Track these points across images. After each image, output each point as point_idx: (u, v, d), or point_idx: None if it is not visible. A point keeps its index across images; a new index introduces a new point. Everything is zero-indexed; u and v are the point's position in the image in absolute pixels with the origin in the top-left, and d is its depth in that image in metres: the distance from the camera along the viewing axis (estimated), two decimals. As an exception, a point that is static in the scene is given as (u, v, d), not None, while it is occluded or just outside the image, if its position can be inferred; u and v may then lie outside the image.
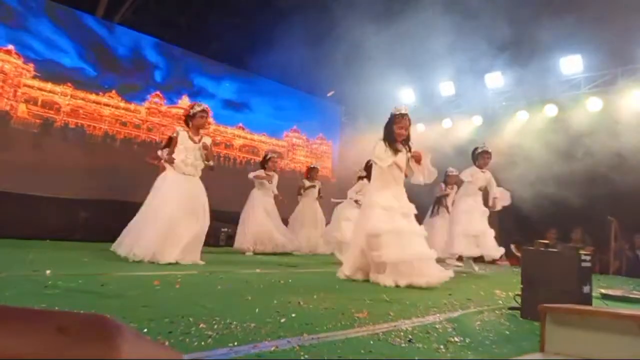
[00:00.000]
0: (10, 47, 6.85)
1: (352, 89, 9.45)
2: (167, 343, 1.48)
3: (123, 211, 6.23)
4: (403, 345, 1.70)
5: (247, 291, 2.85)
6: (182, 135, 4.75)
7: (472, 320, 2.26)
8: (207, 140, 4.87)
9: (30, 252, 4.57)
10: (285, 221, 7.85)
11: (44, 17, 7.24)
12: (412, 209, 4.07)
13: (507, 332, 2.07)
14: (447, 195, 7.89)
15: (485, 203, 5.75)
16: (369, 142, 4.57)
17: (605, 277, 6.65)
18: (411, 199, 4.19)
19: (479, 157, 5.73)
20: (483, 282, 4.69)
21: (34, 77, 7.04)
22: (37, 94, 7.06)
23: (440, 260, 4.51)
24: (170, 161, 4.62)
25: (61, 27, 7.40)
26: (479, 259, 5.85)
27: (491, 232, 5.58)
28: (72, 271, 3.24)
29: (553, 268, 2.41)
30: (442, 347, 1.70)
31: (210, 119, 8.91)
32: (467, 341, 1.82)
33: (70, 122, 7.40)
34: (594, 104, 8.26)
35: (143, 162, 6.47)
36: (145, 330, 1.67)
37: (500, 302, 3.09)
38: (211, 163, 4.88)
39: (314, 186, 7.98)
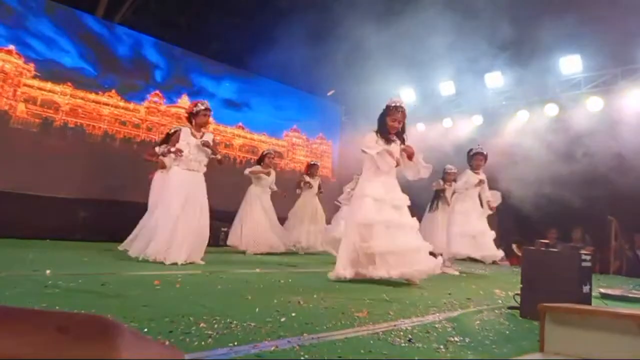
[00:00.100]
0: (11, 47, 6.85)
1: (352, 89, 9.46)
2: (167, 343, 1.48)
3: (123, 211, 6.26)
4: (403, 344, 1.70)
5: (247, 291, 2.85)
6: (185, 131, 4.75)
7: (471, 320, 2.26)
8: (209, 136, 4.87)
9: (30, 251, 4.58)
10: (282, 217, 7.85)
11: (44, 17, 7.23)
12: (404, 201, 4.00)
13: (507, 332, 2.07)
14: (444, 190, 7.89)
15: (481, 203, 5.74)
16: None
17: (605, 276, 6.66)
18: (410, 197, 4.17)
19: (473, 158, 5.69)
20: (483, 281, 4.70)
21: (34, 76, 7.04)
22: (36, 93, 7.06)
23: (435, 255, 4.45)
24: (178, 153, 4.61)
25: (61, 27, 7.39)
26: (479, 260, 5.83)
27: (491, 234, 5.52)
28: (72, 271, 3.24)
29: (553, 268, 2.41)
30: (442, 346, 1.71)
31: (210, 119, 8.92)
32: (466, 341, 1.82)
33: (70, 122, 7.40)
34: (594, 104, 8.26)
35: (142, 160, 6.47)
36: (146, 329, 1.68)
37: (500, 301, 3.09)
38: (219, 156, 4.91)
39: (313, 182, 7.97)
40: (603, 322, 1.38)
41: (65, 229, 6.78)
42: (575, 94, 8.55)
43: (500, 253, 5.53)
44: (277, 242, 6.94)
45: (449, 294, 3.32)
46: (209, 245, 4.86)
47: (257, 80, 10.02)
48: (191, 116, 4.85)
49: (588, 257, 2.50)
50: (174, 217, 4.44)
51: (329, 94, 10.99)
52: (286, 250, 7.12)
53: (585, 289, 2.41)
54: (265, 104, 10.14)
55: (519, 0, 7.53)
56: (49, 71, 7.17)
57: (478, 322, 2.24)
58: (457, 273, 5.42)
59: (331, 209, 7.95)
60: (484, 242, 5.38)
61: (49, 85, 7.17)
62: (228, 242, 6.89)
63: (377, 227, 3.72)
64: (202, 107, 4.80)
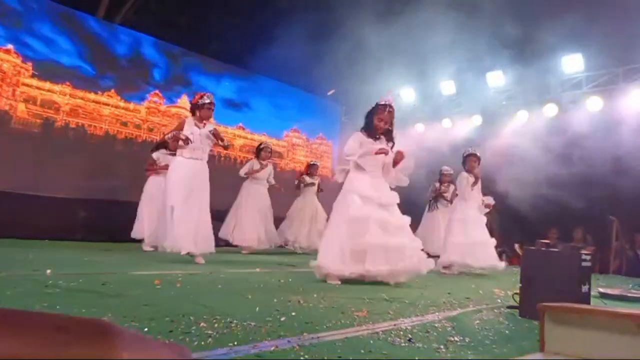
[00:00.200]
0: (10, 46, 6.85)
1: (352, 88, 9.45)
2: (171, 342, 1.48)
3: (123, 211, 6.27)
4: (403, 344, 1.70)
5: (247, 290, 2.86)
6: (189, 121, 4.77)
7: (471, 319, 2.26)
8: (211, 127, 4.88)
9: (31, 251, 4.58)
10: (282, 216, 7.84)
11: (44, 18, 7.24)
12: (392, 198, 3.91)
13: (507, 331, 2.08)
14: (442, 191, 7.90)
15: None
16: None
17: (605, 276, 6.66)
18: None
19: (467, 160, 5.66)
20: (482, 281, 4.70)
21: (32, 75, 7.03)
22: (35, 93, 7.06)
23: (432, 256, 4.43)
24: (186, 141, 4.60)
25: (61, 27, 7.40)
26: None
27: (492, 242, 5.46)
28: (72, 270, 3.24)
29: (553, 267, 2.42)
30: (442, 346, 1.71)
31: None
32: (466, 340, 1.83)
33: (71, 122, 7.41)
34: (595, 104, 8.26)
35: (142, 161, 6.48)
36: (146, 329, 1.68)
37: (499, 301, 3.09)
38: (226, 143, 4.95)
39: (313, 183, 7.96)
40: (602, 321, 1.38)
41: (65, 228, 6.79)
42: (577, 93, 8.55)
43: (501, 264, 5.43)
44: (264, 238, 6.82)
45: (449, 293, 3.32)
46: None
47: (257, 80, 10.02)
48: (195, 108, 4.86)
49: (588, 257, 2.50)
50: (185, 208, 4.46)
51: (329, 93, 10.99)
52: (271, 247, 6.99)
53: (585, 288, 2.42)
54: (265, 103, 10.14)
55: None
56: (47, 70, 7.17)
57: (478, 321, 2.24)
58: (456, 272, 5.41)
59: (331, 209, 7.94)
60: (484, 253, 5.30)
61: (47, 84, 7.17)
62: (220, 235, 6.74)
63: (365, 223, 3.63)
64: (207, 101, 4.80)
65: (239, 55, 9.98)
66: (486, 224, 5.70)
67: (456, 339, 1.84)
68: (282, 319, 2.00)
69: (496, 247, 5.74)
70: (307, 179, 7.89)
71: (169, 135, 4.78)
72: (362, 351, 1.57)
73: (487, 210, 5.67)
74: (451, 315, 2.36)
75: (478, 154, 5.69)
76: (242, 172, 7.01)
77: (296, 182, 7.96)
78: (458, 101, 10.02)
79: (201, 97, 4.85)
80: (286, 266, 5.02)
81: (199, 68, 9.15)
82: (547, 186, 7.55)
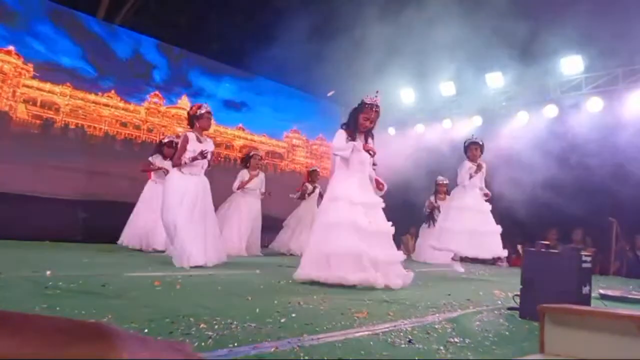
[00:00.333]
0: (11, 47, 6.86)
1: (352, 89, 9.45)
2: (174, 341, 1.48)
3: (123, 212, 6.27)
4: (403, 345, 1.70)
5: (247, 292, 2.86)
6: (191, 137, 4.74)
7: (471, 321, 2.26)
8: (210, 145, 4.87)
9: (31, 252, 4.58)
10: (280, 221, 7.83)
11: (44, 19, 7.24)
12: (378, 202, 3.83)
13: (507, 333, 2.08)
14: (437, 207, 7.92)
15: None
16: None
17: (605, 277, 6.65)
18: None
19: (468, 149, 5.55)
20: (482, 282, 4.70)
21: (33, 77, 7.04)
22: (35, 94, 7.07)
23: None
24: (203, 155, 4.59)
25: (61, 28, 7.40)
26: (477, 260, 5.78)
27: (495, 231, 5.20)
28: (72, 272, 3.24)
29: (553, 269, 2.41)
30: (442, 347, 1.71)
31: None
32: (466, 342, 1.82)
33: (71, 123, 7.41)
34: (594, 105, 8.27)
35: (143, 161, 6.49)
36: (146, 330, 1.68)
37: (499, 302, 3.09)
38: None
39: (315, 188, 7.95)
40: (602, 323, 1.38)
41: (65, 230, 6.79)
42: (576, 94, 8.56)
43: (504, 252, 5.24)
44: (240, 247, 6.61)
45: (449, 294, 3.32)
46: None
47: (257, 81, 10.03)
48: (194, 119, 4.82)
49: (588, 259, 2.50)
50: (192, 225, 4.45)
51: (328, 94, 10.99)
52: (249, 255, 6.74)
53: (585, 290, 2.42)
54: (265, 104, 10.14)
55: (520, 1, 7.53)
56: (48, 71, 7.17)
57: (478, 322, 2.24)
58: (462, 270, 5.32)
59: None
60: (482, 242, 5.10)
61: (48, 85, 7.17)
62: None
63: (343, 228, 3.54)
64: (204, 111, 4.78)
65: (239, 55, 9.98)
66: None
67: (456, 340, 1.84)
68: (282, 320, 2.00)
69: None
70: (310, 187, 7.85)
71: (187, 157, 4.64)
72: (362, 352, 1.57)
73: (487, 199, 5.47)
74: (451, 316, 2.36)
75: (480, 142, 5.57)
76: (235, 186, 6.87)
77: (298, 193, 7.86)
78: (458, 102, 10.03)
79: (199, 107, 4.84)
80: (286, 268, 5.02)
81: (199, 69, 9.15)
82: (547, 187, 7.55)
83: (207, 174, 4.93)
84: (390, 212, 3.94)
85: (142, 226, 6.00)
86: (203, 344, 1.55)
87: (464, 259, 5.74)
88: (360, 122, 3.85)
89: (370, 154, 3.83)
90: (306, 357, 1.46)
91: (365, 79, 8.15)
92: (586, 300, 2.42)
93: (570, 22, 6.79)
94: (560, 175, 7.59)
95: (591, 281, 2.53)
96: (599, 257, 7.29)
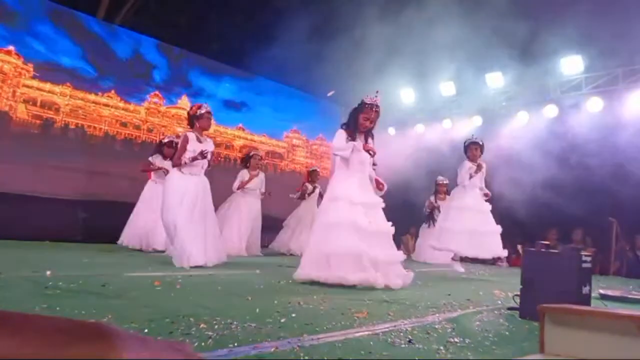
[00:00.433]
0: (11, 47, 6.86)
1: (352, 89, 9.45)
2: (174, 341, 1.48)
3: (123, 212, 6.27)
4: (403, 345, 1.70)
5: (247, 292, 2.86)
6: (191, 137, 4.74)
7: (471, 321, 2.26)
8: (210, 146, 4.87)
9: (31, 252, 4.58)
10: (280, 221, 7.82)
11: (44, 19, 7.24)
12: (378, 202, 3.82)
13: (507, 333, 2.07)
14: (437, 207, 7.91)
15: None
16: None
17: (605, 277, 6.65)
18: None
19: (468, 149, 5.54)
20: (482, 282, 4.70)
21: (33, 77, 7.04)
22: (35, 94, 7.07)
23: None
24: (203, 155, 4.59)
25: (62, 28, 7.40)
26: (477, 260, 5.78)
27: (495, 231, 5.17)
28: (72, 272, 3.24)
29: (553, 269, 2.41)
30: (442, 347, 1.71)
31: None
32: (466, 342, 1.82)
33: (71, 123, 7.41)
34: (594, 105, 8.27)
35: (143, 161, 6.49)
36: (146, 330, 1.68)
37: (499, 302, 3.09)
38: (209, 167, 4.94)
39: (315, 188, 7.94)
40: (603, 323, 1.38)
41: (65, 230, 6.79)
42: (576, 94, 8.56)
43: (504, 252, 5.22)
44: (240, 247, 6.61)
45: (449, 294, 3.32)
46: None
47: (257, 81, 10.03)
48: (194, 119, 4.82)
49: (588, 259, 2.50)
50: (191, 225, 4.45)
51: (328, 94, 11.00)
52: (249, 255, 6.74)
53: (585, 289, 2.42)
54: (265, 104, 10.15)
55: (521, 1, 7.53)
56: (48, 71, 7.17)
57: (478, 322, 2.24)
58: (462, 270, 5.30)
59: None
60: (482, 242, 5.08)
61: (48, 85, 7.17)
62: None
63: (342, 228, 3.53)
64: (204, 111, 4.78)
65: (239, 56, 9.98)
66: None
67: (456, 340, 1.84)
68: (282, 320, 2.00)
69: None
70: (310, 187, 7.85)
71: (187, 157, 4.63)
72: (362, 352, 1.57)
73: (487, 199, 5.45)
74: (451, 316, 2.36)
75: (480, 142, 5.54)
76: (235, 186, 6.87)
77: (298, 193, 7.86)
78: (458, 102, 10.03)
79: (199, 107, 4.84)
80: (286, 268, 5.01)
81: (199, 69, 9.15)
82: (547, 187, 7.55)
83: (207, 174, 4.94)
84: (390, 212, 3.94)
85: (142, 226, 6.01)
86: (203, 344, 1.55)
87: (464, 259, 5.73)
88: (360, 122, 3.84)
89: (370, 154, 3.83)
90: (306, 357, 1.46)
91: (365, 79, 8.15)
92: (586, 300, 2.42)
93: (571, 22, 6.79)
94: (560, 175, 7.59)
95: (591, 281, 2.53)
96: (599, 257, 7.29)
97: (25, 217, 6.39)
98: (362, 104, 3.86)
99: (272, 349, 1.52)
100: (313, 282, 3.50)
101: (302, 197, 7.80)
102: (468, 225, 5.12)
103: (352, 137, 3.85)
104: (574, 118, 8.33)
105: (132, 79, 8.19)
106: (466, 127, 9.71)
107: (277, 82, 10.28)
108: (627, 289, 4.50)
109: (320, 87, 10.31)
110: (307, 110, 10.84)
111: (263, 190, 7.07)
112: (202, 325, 1.79)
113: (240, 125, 9.72)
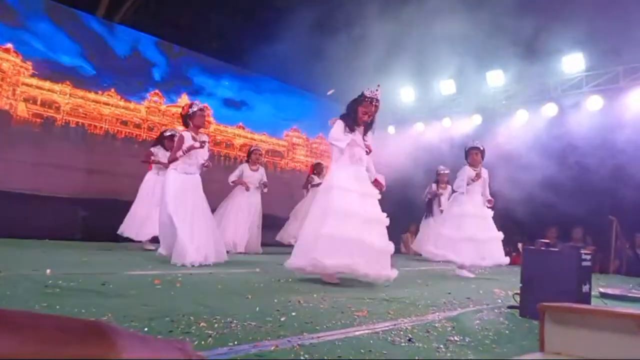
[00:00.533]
0: (9, 45, 6.85)
1: (352, 88, 9.44)
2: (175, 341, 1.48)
3: (123, 210, 6.27)
4: (403, 344, 1.70)
5: (247, 290, 2.86)
6: (187, 136, 4.73)
7: (471, 319, 2.26)
8: (205, 138, 4.87)
9: (30, 251, 4.58)
10: (280, 220, 7.82)
11: (45, 17, 7.23)
12: (374, 193, 3.77)
13: (507, 331, 2.08)
14: (439, 195, 7.89)
15: None
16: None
17: (605, 276, 6.66)
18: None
19: (469, 154, 5.48)
20: (482, 281, 4.70)
21: (32, 75, 7.03)
22: (35, 92, 7.06)
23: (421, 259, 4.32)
24: (201, 144, 4.62)
25: (61, 26, 7.39)
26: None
27: (496, 237, 5.15)
28: (72, 270, 3.24)
29: (553, 267, 2.41)
30: (442, 346, 1.71)
31: (211, 118, 8.92)
32: (466, 340, 1.83)
33: (71, 122, 7.40)
34: (594, 103, 8.26)
35: (143, 160, 6.49)
36: (146, 329, 1.68)
37: (500, 301, 3.09)
38: (207, 163, 4.88)
39: (320, 182, 7.94)
40: (603, 321, 1.38)
41: (65, 228, 6.78)
42: (577, 92, 8.55)
43: (506, 260, 5.16)
44: (240, 245, 6.60)
45: (449, 293, 3.32)
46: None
47: (257, 80, 10.02)
48: (187, 118, 4.80)
49: (588, 257, 2.50)
50: (188, 224, 4.43)
51: (328, 93, 10.99)
52: (247, 252, 6.72)
53: (585, 288, 2.42)
54: (266, 103, 10.14)
55: (521, -1, 7.52)
56: (47, 70, 7.16)
57: (478, 321, 2.24)
58: (472, 275, 5.13)
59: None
60: (483, 248, 5.05)
61: (47, 84, 7.16)
62: None
63: (336, 216, 3.46)
64: (197, 109, 4.75)
65: (239, 54, 9.96)
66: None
67: (456, 338, 1.84)
68: (282, 318, 2.00)
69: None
70: (316, 179, 7.87)
71: (180, 153, 4.62)
72: (362, 351, 1.57)
73: (490, 206, 5.40)
74: (451, 315, 2.36)
75: (481, 148, 5.48)
76: (231, 178, 6.86)
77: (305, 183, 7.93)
78: (458, 100, 10.02)
79: (190, 106, 4.81)
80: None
81: (199, 67, 9.14)
82: (547, 185, 7.55)
83: (207, 172, 4.93)
84: (390, 210, 3.93)
85: (143, 215, 6.03)
86: (203, 342, 1.55)
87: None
88: (359, 116, 3.81)
89: (365, 151, 3.80)
90: (306, 356, 1.46)
91: (366, 77, 8.14)
92: (586, 298, 2.42)
93: (573, 21, 6.77)
94: (559, 174, 7.59)
95: (591, 279, 2.53)
96: (599, 255, 7.30)
97: (25, 216, 6.38)
98: (362, 97, 3.82)
99: (272, 348, 1.52)
100: (313, 281, 3.50)
101: (305, 187, 7.81)
102: (468, 233, 5.09)
103: (351, 129, 3.80)
104: (574, 117, 8.33)
105: (132, 77, 8.18)
106: (466, 125, 9.71)
107: (278, 80, 10.27)
108: (626, 287, 4.50)
109: (320, 85, 10.28)
110: (307, 109, 10.83)
111: (264, 185, 7.03)
112: (202, 324, 1.79)
113: (241, 123, 9.71)
